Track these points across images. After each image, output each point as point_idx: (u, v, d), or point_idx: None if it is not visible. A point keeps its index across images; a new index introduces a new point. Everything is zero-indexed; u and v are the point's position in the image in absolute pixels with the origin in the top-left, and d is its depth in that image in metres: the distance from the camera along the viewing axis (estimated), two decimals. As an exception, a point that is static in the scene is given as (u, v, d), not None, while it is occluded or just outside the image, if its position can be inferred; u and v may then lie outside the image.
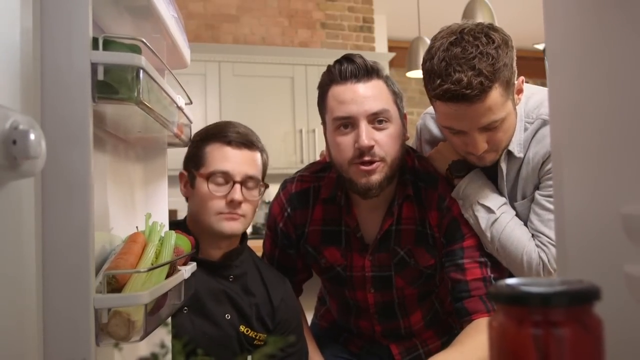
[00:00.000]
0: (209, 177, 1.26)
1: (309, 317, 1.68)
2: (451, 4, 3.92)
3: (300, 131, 4.26)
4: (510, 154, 1.31)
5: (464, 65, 1.15)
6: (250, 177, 1.29)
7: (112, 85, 0.73)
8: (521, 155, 1.30)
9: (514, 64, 1.23)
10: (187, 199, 1.37)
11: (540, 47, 5.39)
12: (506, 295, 0.45)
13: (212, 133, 1.30)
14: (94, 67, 0.71)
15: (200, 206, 1.27)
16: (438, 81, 1.18)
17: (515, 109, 1.27)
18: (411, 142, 1.57)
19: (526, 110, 1.32)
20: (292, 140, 4.26)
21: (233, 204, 1.26)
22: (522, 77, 1.28)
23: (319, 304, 1.67)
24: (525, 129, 1.30)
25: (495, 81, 1.16)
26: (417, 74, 4.02)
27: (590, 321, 0.44)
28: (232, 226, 1.27)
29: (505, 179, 1.33)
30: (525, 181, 1.31)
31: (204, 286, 1.26)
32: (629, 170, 0.59)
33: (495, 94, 1.17)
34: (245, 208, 1.28)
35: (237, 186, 1.26)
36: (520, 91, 1.29)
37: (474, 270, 1.31)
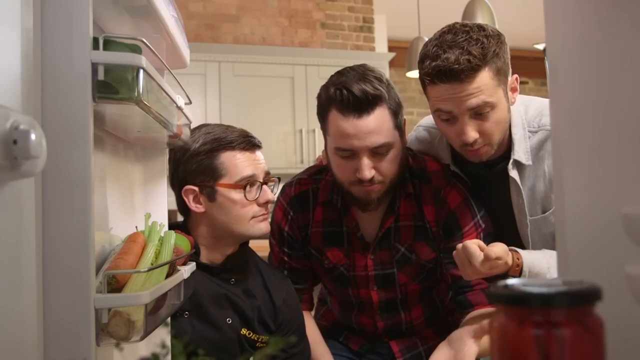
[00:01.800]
0: (244, 186, 1.26)
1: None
2: (451, 4, 3.92)
3: (300, 131, 4.25)
4: (518, 163, 1.30)
5: (454, 47, 1.18)
6: (268, 175, 1.32)
7: (112, 85, 0.73)
8: (529, 162, 1.30)
9: (508, 59, 1.25)
10: (182, 213, 1.35)
11: (540, 47, 5.39)
12: (507, 296, 0.45)
13: (221, 144, 1.27)
14: (94, 67, 0.70)
15: (231, 216, 1.26)
16: (428, 62, 1.21)
17: (508, 104, 1.27)
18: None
19: (527, 119, 1.32)
20: (292, 140, 4.26)
21: (267, 205, 1.30)
22: (516, 75, 1.29)
23: (319, 304, 1.68)
24: (529, 138, 1.31)
25: (485, 64, 1.18)
26: (417, 73, 4.01)
27: (591, 321, 0.44)
28: (267, 225, 1.32)
29: (522, 188, 1.31)
30: (544, 195, 1.31)
31: (205, 290, 1.26)
32: (630, 170, 0.59)
33: (485, 76, 1.19)
34: (269, 206, 1.33)
35: (265, 187, 1.29)
36: (514, 90, 1.30)
37: None
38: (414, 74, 4.10)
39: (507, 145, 1.33)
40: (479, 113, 1.21)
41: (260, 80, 4.22)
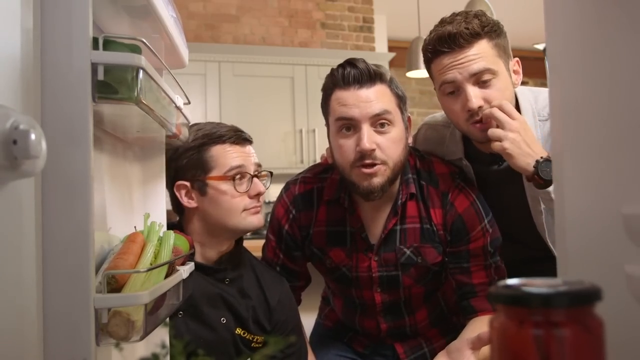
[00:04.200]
0: (233, 178, 1.26)
1: (313, 317, 1.67)
2: (451, 4, 3.90)
3: (300, 131, 4.25)
4: None
5: (453, 22, 1.27)
6: (259, 168, 1.33)
7: (111, 85, 0.73)
8: None
9: (507, 43, 1.31)
10: (178, 212, 1.34)
11: (540, 47, 5.38)
12: (507, 296, 0.45)
13: (211, 138, 1.29)
14: (94, 67, 0.70)
15: (223, 208, 1.27)
16: (429, 37, 1.29)
17: (511, 80, 1.31)
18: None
19: (537, 108, 1.35)
20: (292, 140, 4.26)
21: (258, 197, 1.30)
22: (517, 59, 1.35)
23: (323, 303, 1.67)
24: (540, 127, 1.33)
25: (484, 34, 1.26)
26: (417, 74, 4.01)
27: (591, 322, 0.44)
28: (260, 219, 1.32)
29: None
30: None
31: (199, 290, 1.26)
32: (630, 170, 0.59)
33: (484, 45, 1.26)
34: (261, 199, 1.33)
35: (256, 179, 1.30)
36: (517, 72, 1.35)
37: (480, 273, 1.33)
38: (414, 74, 4.10)
39: None
40: (482, 80, 1.25)
41: (260, 80, 4.22)
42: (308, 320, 1.46)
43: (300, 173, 1.50)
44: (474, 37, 1.25)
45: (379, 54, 4.74)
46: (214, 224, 1.28)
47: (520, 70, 1.35)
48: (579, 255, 0.67)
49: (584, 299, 0.44)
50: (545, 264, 1.39)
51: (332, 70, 1.32)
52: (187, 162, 1.28)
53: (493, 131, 1.24)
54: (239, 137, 1.30)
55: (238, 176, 1.27)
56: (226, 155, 1.27)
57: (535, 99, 1.36)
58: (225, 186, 1.26)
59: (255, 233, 1.68)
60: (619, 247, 0.59)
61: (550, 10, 0.71)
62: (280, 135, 4.23)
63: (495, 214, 1.36)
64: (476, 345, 1.12)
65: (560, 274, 0.71)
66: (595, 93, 0.65)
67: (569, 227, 0.67)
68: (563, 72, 0.69)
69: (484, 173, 1.41)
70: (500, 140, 1.23)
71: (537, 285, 0.45)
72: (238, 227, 1.28)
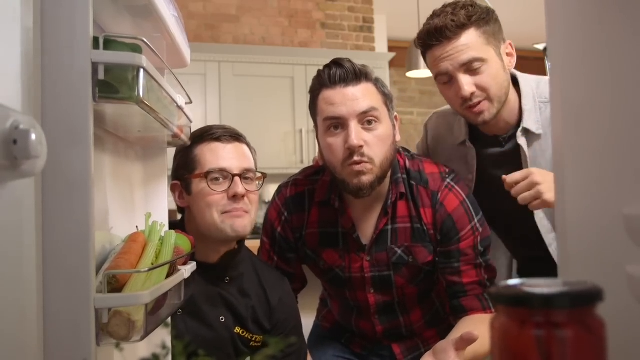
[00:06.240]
0: (207, 176, 1.23)
1: (311, 319, 1.67)
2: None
3: (300, 131, 4.25)
4: (527, 131, 1.35)
5: (441, 15, 1.31)
6: (247, 170, 1.28)
7: (112, 84, 0.73)
8: (540, 131, 1.35)
9: (499, 28, 1.35)
10: (180, 211, 1.35)
11: (541, 47, 5.39)
12: (508, 297, 0.45)
13: (197, 135, 1.28)
14: (94, 66, 0.70)
15: (203, 209, 1.24)
16: (420, 31, 1.34)
17: (503, 64, 1.35)
18: (415, 141, 1.65)
19: (539, 92, 1.38)
20: (292, 140, 4.26)
21: (236, 198, 1.24)
22: (509, 41, 1.38)
23: (321, 305, 1.67)
24: (541, 109, 1.36)
25: (471, 24, 1.29)
26: (417, 74, 4.02)
27: (593, 322, 0.44)
28: (242, 223, 1.25)
29: (528, 155, 1.36)
30: None
31: (199, 288, 1.26)
32: (631, 171, 0.58)
33: (472, 35, 1.30)
34: (248, 202, 1.27)
35: (237, 179, 1.24)
36: (510, 55, 1.38)
37: (470, 272, 1.33)
38: (414, 74, 4.10)
39: (518, 118, 1.39)
40: (472, 69, 1.30)
41: (260, 80, 4.21)
42: (306, 322, 1.46)
43: (292, 176, 1.51)
44: (461, 28, 1.29)
45: (379, 54, 4.74)
46: (200, 223, 1.26)
47: (514, 52, 1.39)
48: (580, 256, 0.67)
49: (585, 300, 0.44)
50: (544, 260, 1.40)
51: (319, 71, 1.33)
52: (178, 162, 1.31)
53: (524, 198, 1.21)
54: (224, 134, 1.28)
55: (216, 175, 1.24)
56: (206, 154, 1.26)
57: (537, 84, 1.40)
58: (203, 184, 1.24)
59: (256, 233, 1.68)
60: (621, 248, 0.58)
61: (552, 10, 0.71)
62: (280, 135, 4.22)
63: (496, 198, 1.36)
64: (460, 345, 1.13)
65: (562, 275, 0.70)
66: (597, 93, 0.64)
67: (570, 227, 0.67)
68: (564, 72, 0.69)
69: (486, 155, 1.44)
70: (538, 198, 1.19)
71: (539, 285, 0.45)
72: (219, 231, 1.24)
